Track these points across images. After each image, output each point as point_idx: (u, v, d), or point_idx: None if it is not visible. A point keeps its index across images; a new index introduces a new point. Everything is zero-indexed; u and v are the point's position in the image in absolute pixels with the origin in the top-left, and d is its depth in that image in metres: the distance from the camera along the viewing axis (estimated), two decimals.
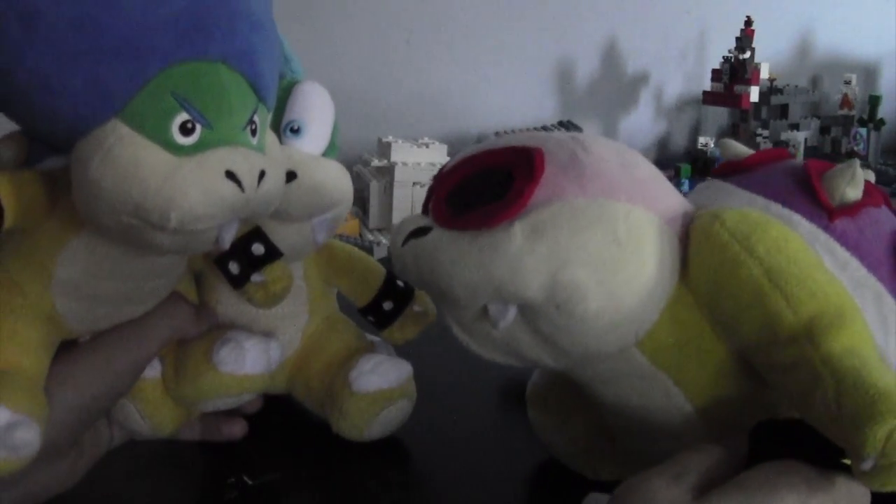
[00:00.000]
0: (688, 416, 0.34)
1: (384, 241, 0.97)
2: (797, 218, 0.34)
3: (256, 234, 0.41)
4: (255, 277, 0.41)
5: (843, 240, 0.34)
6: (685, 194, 0.37)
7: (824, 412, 0.28)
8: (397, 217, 1.00)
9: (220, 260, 0.41)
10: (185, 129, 0.31)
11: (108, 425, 0.43)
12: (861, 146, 1.52)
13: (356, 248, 0.52)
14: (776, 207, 0.35)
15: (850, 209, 0.35)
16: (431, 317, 0.51)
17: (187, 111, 0.31)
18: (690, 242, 0.32)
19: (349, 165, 1.09)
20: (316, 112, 0.44)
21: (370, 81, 1.28)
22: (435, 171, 1.07)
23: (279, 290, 0.42)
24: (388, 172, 1.01)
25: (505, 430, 0.51)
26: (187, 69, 0.31)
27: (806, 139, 1.51)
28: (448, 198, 0.33)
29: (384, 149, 1.04)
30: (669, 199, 0.34)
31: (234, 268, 0.41)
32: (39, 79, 0.30)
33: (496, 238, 0.30)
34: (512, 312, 0.32)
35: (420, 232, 0.33)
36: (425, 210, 0.35)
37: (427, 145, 1.05)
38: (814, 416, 0.29)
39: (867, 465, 0.26)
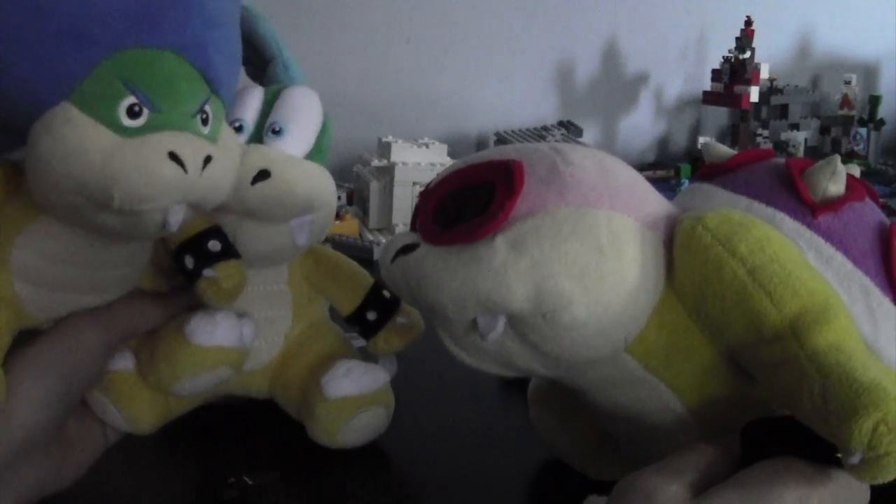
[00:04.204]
0: (682, 418, 0.34)
1: (384, 241, 0.97)
2: (780, 216, 0.35)
3: (215, 231, 0.42)
4: (207, 272, 0.41)
5: (827, 235, 0.34)
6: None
7: (812, 408, 0.28)
8: (397, 217, 1.00)
9: (177, 253, 0.41)
10: (133, 113, 0.31)
11: (100, 425, 0.43)
12: (861, 146, 1.52)
13: (345, 256, 0.52)
14: (759, 207, 0.35)
15: (834, 204, 0.35)
16: (418, 329, 0.50)
17: (134, 94, 0.31)
18: (675, 246, 0.32)
19: (349, 165, 1.09)
20: (300, 115, 0.44)
21: (370, 81, 1.28)
22: (435, 171, 1.07)
23: (229, 286, 0.41)
24: (388, 172, 1.01)
25: (506, 429, 0.51)
26: (136, 55, 0.32)
27: (806, 139, 1.51)
28: (434, 214, 0.34)
29: (384, 149, 1.04)
30: (652, 204, 0.34)
31: (189, 262, 0.41)
32: None
33: (480, 252, 0.31)
34: (500, 324, 0.32)
35: (408, 249, 0.34)
36: (413, 227, 0.35)
37: (427, 145, 1.04)
38: (802, 413, 0.29)
39: (855, 459, 0.26)
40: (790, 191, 0.35)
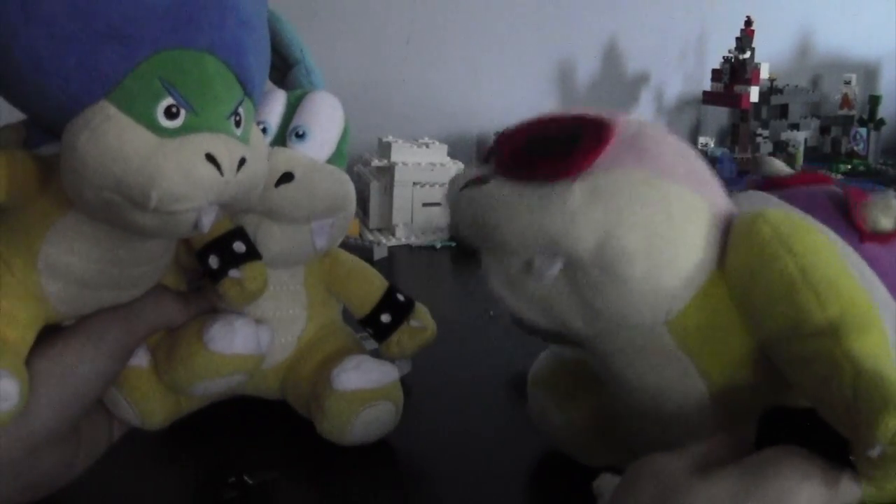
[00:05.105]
0: (702, 401, 0.35)
1: (384, 241, 0.97)
2: (831, 233, 0.36)
3: (239, 233, 0.42)
4: (233, 273, 0.41)
5: (872, 262, 0.35)
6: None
7: (839, 399, 0.29)
8: (397, 217, 1.00)
9: (202, 253, 0.42)
10: (170, 113, 0.32)
11: (107, 421, 0.43)
12: (861, 146, 1.52)
13: (360, 260, 0.52)
14: (811, 221, 0.36)
15: (883, 237, 0.36)
16: (430, 332, 0.51)
17: (172, 96, 0.32)
18: (732, 235, 0.34)
19: (349, 165, 1.09)
20: (322, 119, 0.45)
21: (370, 81, 1.28)
22: (435, 171, 1.07)
23: (254, 288, 0.42)
24: (388, 172, 1.01)
25: (504, 429, 0.51)
26: (175, 56, 0.32)
27: (806, 139, 1.51)
28: (513, 152, 0.35)
29: (384, 149, 1.04)
30: (718, 194, 0.36)
31: (213, 262, 0.41)
32: (33, 58, 0.31)
33: (556, 192, 0.32)
34: (557, 266, 0.33)
35: (480, 181, 0.35)
36: (485, 160, 0.37)
37: (427, 145, 1.05)
38: (827, 405, 0.30)
39: (875, 452, 0.27)
40: (843, 215, 0.37)
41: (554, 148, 0.34)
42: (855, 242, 0.36)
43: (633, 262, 0.32)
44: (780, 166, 0.42)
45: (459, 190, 0.36)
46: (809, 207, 0.38)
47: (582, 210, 0.31)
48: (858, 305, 0.31)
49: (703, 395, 0.35)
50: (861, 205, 0.37)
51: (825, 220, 0.37)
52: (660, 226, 0.32)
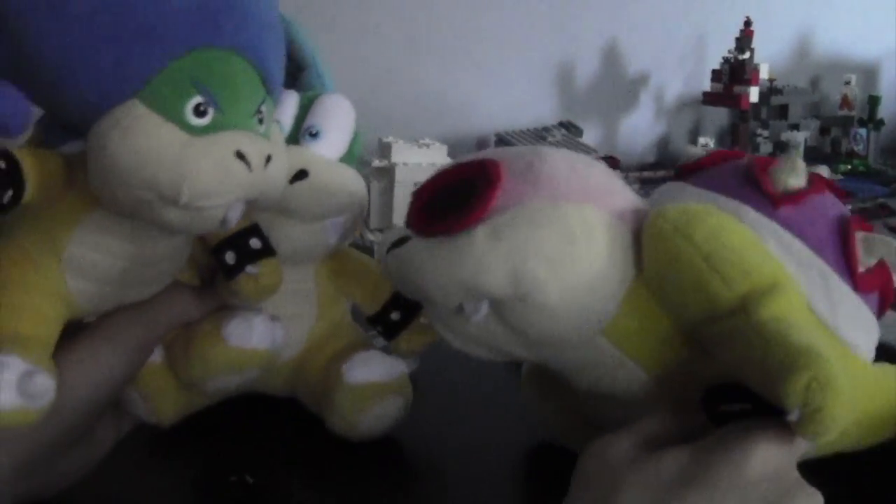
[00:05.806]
0: (651, 395, 0.37)
1: None
2: (745, 208, 0.38)
3: (255, 229, 0.43)
4: (250, 269, 0.42)
5: (787, 224, 0.37)
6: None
7: (758, 375, 0.31)
8: (398, 217, 1.00)
9: (218, 249, 0.42)
10: (199, 112, 0.33)
11: (115, 417, 0.44)
12: (861, 146, 1.52)
13: (370, 258, 0.53)
14: (724, 200, 0.38)
15: (795, 197, 0.38)
16: None
17: (201, 94, 0.33)
18: (642, 239, 0.35)
19: None
20: (335, 120, 0.46)
21: (371, 82, 1.28)
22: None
23: (269, 284, 0.43)
24: (388, 173, 1.01)
25: (508, 425, 0.52)
26: (203, 55, 0.33)
27: (806, 139, 1.52)
28: (422, 209, 0.37)
29: (385, 149, 1.04)
30: (623, 199, 0.37)
31: (230, 257, 0.42)
32: (64, 58, 0.31)
33: (461, 242, 0.34)
34: (484, 308, 0.35)
35: (401, 242, 0.37)
36: (408, 223, 0.38)
37: (428, 146, 1.05)
38: (751, 380, 0.31)
39: (794, 416, 0.29)
40: (754, 185, 0.38)
41: (453, 200, 0.35)
42: (769, 210, 0.37)
43: (546, 289, 0.33)
44: (693, 151, 0.44)
45: (386, 252, 0.37)
46: (721, 185, 0.39)
47: (487, 252, 0.33)
48: (765, 275, 0.33)
49: (652, 391, 0.37)
50: (767, 171, 0.38)
51: (738, 195, 0.38)
52: (562, 249, 0.33)
